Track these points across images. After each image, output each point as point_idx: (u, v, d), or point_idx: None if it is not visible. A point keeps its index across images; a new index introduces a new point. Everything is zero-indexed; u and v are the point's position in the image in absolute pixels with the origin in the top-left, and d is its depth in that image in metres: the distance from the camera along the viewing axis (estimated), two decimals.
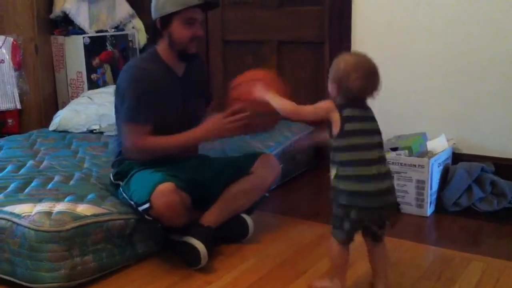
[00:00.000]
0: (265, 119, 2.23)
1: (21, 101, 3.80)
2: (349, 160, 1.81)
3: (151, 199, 2.04)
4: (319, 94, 3.47)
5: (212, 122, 2.22)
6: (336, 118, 1.82)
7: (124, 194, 2.21)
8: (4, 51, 3.75)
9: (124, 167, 2.29)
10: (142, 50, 4.12)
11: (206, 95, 2.51)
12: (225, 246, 2.34)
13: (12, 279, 2.03)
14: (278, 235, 2.49)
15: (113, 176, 2.35)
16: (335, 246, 1.88)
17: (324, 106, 1.86)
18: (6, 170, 2.63)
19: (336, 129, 1.83)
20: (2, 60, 3.75)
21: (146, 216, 2.10)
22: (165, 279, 2.11)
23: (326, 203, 2.89)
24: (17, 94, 3.78)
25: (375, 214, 1.81)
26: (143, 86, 2.21)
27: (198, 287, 2.06)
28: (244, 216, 2.38)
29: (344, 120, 1.81)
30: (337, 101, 1.85)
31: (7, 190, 2.33)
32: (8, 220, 2.05)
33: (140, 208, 2.09)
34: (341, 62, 1.83)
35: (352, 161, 1.81)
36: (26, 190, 2.33)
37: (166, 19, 2.23)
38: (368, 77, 1.81)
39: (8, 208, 2.11)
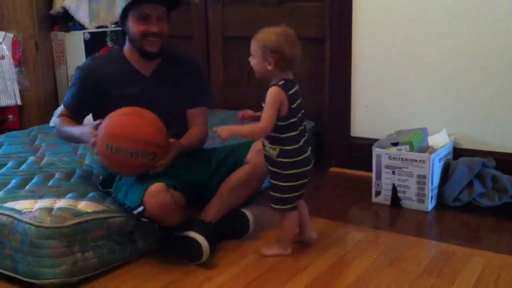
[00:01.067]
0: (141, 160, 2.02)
1: (22, 97, 3.79)
2: (293, 135, 2.08)
3: (143, 201, 2.03)
4: (318, 90, 3.46)
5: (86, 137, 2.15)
6: (285, 100, 2.02)
7: (117, 199, 2.21)
8: (4, 47, 3.74)
9: (108, 174, 2.29)
10: None
11: (195, 98, 2.40)
12: (226, 242, 2.33)
13: (13, 275, 2.04)
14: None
15: (100, 185, 2.35)
16: (292, 217, 2.20)
17: (276, 98, 2.01)
18: (7, 166, 2.62)
19: (284, 109, 2.03)
20: (2, 56, 3.74)
21: (142, 219, 2.09)
22: (166, 275, 2.10)
23: (326, 199, 2.92)
24: (18, 90, 3.77)
25: (309, 173, 2.15)
26: (82, 79, 2.29)
27: (199, 282, 2.05)
28: (245, 211, 2.37)
29: (290, 98, 2.04)
30: (273, 79, 2.05)
31: (8, 187, 2.32)
32: (9, 216, 2.04)
33: (135, 212, 2.08)
34: (270, 35, 2.02)
35: (295, 136, 2.08)
36: (27, 187, 2.33)
37: (123, 15, 2.25)
38: (297, 44, 2.06)
39: (9, 204, 2.11)
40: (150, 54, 2.26)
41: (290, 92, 2.03)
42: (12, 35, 3.75)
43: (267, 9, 3.61)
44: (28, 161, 2.71)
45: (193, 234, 2.14)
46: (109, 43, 4.01)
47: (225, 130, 2.00)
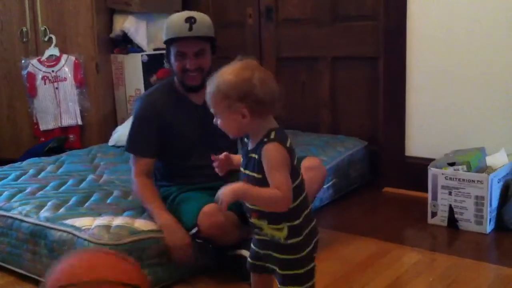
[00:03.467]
0: None
1: (82, 118, 3.91)
2: (301, 201, 1.54)
3: (197, 222, 2.05)
4: (373, 109, 3.42)
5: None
6: (288, 158, 1.48)
7: None
8: (66, 69, 3.88)
9: (161, 194, 2.32)
10: None
11: None
12: None
13: None
14: (331, 251, 2.44)
15: None
16: None
17: (282, 156, 1.45)
18: (68, 184, 2.70)
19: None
20: (64, 78, 3.88)
21: (197, 240, 2.11)
22: None
23: (380, 220, 2.87)
24: (79, 111, 3.90)
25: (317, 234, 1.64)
26: (144, 117, 2.29)
27: None
28: None
29: (291, 153, 1.49)
30: (256, 133, 1.49)
31: (69, 204, 2.39)
32: (69, 233, 2.10)
33: (190, 232, 2.10)
34: (227, 77, 1.46)
35: (303, 201, 1.55)
36: (86, 204, 2.39)
37: (167, 50, 2.29)
38: (268, 77, 1.49)
39: (69, 221, 2.17)
40: (192, 87, 2.28)
41: (288, 146, 1.47)
42: (74, 58, 3.88)
43: (320, 29, 3.61)
44: (88, 179, 2.78)
45: (245, 253, 2.14)
46: (166, 65, 4.09)
47: (229, 193, 1.45)
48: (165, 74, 4.04)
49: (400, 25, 3.17)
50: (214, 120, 1.54)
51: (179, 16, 2.22)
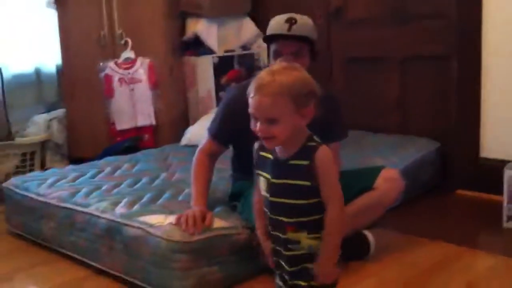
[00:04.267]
0: None
1: (156, 118, 4.00)
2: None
3: None
4: (444, 109, 3.31)
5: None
6: None
7: (242, 216, 2.23)
8: (141, 71, 3.98)
9: (235, 188, 2.33)
10: (265, 68, 4.18)
11: (331, 133, 2.21)
12: (346, 264, 2.27)
13: (147, 286, 2.13)
14: (401, 255, 2.37)
15: (229, 197, 2.39)
16: None
17: (331, 162, 1.40)
18: (141, 182, 2.77)
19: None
20: (139, 80, 3.98)
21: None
22: None
23: (452, 223, 2.77)
24: (153, 112, 3.99)
25: None
26: (231, 106, 2.26)
27: None
28: (366, 233, 2.31)
29: None
30: (297, 137, 1.41)
31: (142, 201, 2.45)
32: (143, 230, 2.15)
33: (256, 231, 2.09)
34: (290, 77, 1.37)
35: None
36: (159, 201, 2.44)
37: (268, 48, 2.25)
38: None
39: (143, 218, 2.21)
40: None
41: None
42: (148, 61, 3.98)
43: (389, 29, 3.53)
44: (161, 177, 2.84)
45: None
46: (236, 66, 4.12)
47: (328, 273, 1.44)
48: (236, 76, 4.07)
49: (475, 22, 3.04)
50: (256, 125, 1.39)
51: (281, 17, 2.19)
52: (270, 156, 1.46)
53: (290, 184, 1.40)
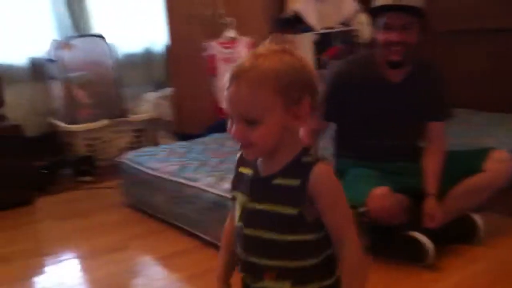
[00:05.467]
0: None
1: None
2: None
3: (367, 202, 2.01)
4: None
5: None
6: None
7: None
8: (243, 50, 4.02)
9: (337, 166, 2.29)
10: (367, 44, 4.08)
11: (434, 111, 2.22)
12: (453, 246, 2.20)
13: None
14: (509, 239, 2.26)
15: None
16: None
17: (336, 183, 1.04)
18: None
19: None
20: (239, 58, 4.03)
21: (364, 218, 2.06)
22: (388, 274, 2.05)
23: None
24: None
25: None
26: (335, 82, 2.21)
27: (424, 284, 1.97)
28: (474, 216, 2.21)
29: None
30: (287, 145, 1.03)
31: None
32: None
33: (357, 210, 2.06)
34: (290, 56, 1.01)
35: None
36: None
37: (373, 22, 2.16)
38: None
39: None
40: (393, 63, 2.14)
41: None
42: (249, 39, 4.01)
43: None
44: None
45: (417, 235, 2.07)
46: (336, 43, 4.06)
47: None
48: (336, 53, 4.01)
49: None
50: (233, 128, 1.00)
51: None
52: (249, 171, 1.08)
53: (271, 211, 1.02)
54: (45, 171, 3.41)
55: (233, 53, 4.02)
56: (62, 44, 3.60)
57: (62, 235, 2.75)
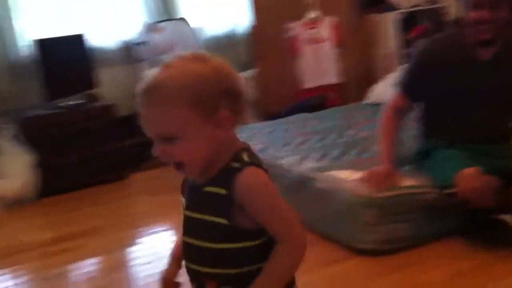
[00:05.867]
0: None
1: (341, 76, 4.01)
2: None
3: (456, 182, 1.96)
4: None
5: None
6: None
7: (430, 175, 2.17)
8: (326, 31, 4.00)
9: (423, 146, 2.25)
10: (454, 22, 3.93)
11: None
12: None
13: (334, 237, 2.19)
14: None
15: (416, 156, 2.32)
16: None
17: (273, 186, 0.98)
18: (329, 138, 2.83)
19: None
20: (324, 39, 4.01)
21: (453, 198, 2.02)
22: (476, 255, 2.01)
23: None
24: (337, 70, 4.00)
25: None
26: (422, 60, 2.18)
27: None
28: None
29: None
30: (221, 154, 0.98)
31: (330, 156, 2.51)
32: (332, 183, 2.21)
33: (446, 191, 2.03)
34: (192, 73, 0.93)
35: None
36: (346, 158, 2.48)
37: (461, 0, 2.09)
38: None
39: (332, 173, 2.27)
40: (483, 41, 2.07)
41: (267, 170, 0.99)
42: (332, 20, 3.98)
43: None
44: (347, 134, 2.87)
45: (508, 219, 2.00)
46: (422, 22, 3.94)
47: None
48: (423, 31, 3.90)
49: None
50: (159, 148, 0.95)
51: None
52: (189, 178, 1.04)
53: (203, 220, 0.99)
54: (138, 149, 3.60)
55: (316, 33, 4.01)
56: (152, 27, 3.74)
57: (153, 209, 2.90)
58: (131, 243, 2.52)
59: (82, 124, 3.29)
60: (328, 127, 3.05)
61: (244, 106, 0.98)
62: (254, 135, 3.03)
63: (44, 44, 3.30)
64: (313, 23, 4.03)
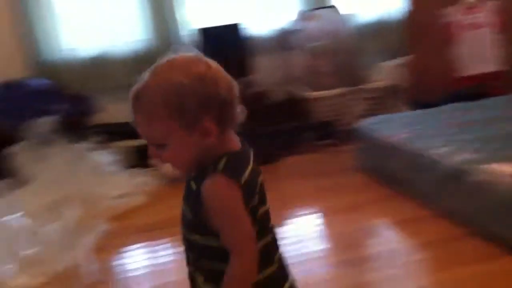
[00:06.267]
0: None
1: (503, 64, 3.73)
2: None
3: None
4: None
5: None
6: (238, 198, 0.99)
7: None
8: (486, 16, 3.75)
9: None
10: None
11: None
12: None
13: (489, 233, 2.08)
14: None
15: None
16: None
17: (232, 199, 0.97)
18: (490, 129, 2.66)
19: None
20: (484, 24, 3.76)
21: None
22: None
23: None
24: (499, 58, 3.74)
25: None
26: None
27: None
28: None
29: (247, 190, 0.99)
30: (209, 157, 0.99)
31: (490, 148, 2.36)
32: (492, 176, 2.09)
33: None
34: (177, 78, 0.94)
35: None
36: (507, 151, 2.31)
37: None
38: (225, 74, 1.01)
39: (492, 165, 2.15)
40: None
41: (244, 179, 0.98)
42: (494, 3, 3.72)
43: None
44: (509, 126, 2.67)
45: None
46: None
47: None
48: None
49: None
50: (150, 149, 1.01)
51: None
52: None
53: (184, 210, 1.05)
54: (289, 134, 3.70)
55: (476, 18, 3.78)
56: (306, 15, 3.80)
57: (302, 192, 2.98)
58: (280, 224, 2.62)
59: None
60: (488, 118, 2.86)
61: (233, 112, 0.99)
62: (405, 123, 2.96)
63: (204, 33, 3.51)
64: (473, 8, 3.80)
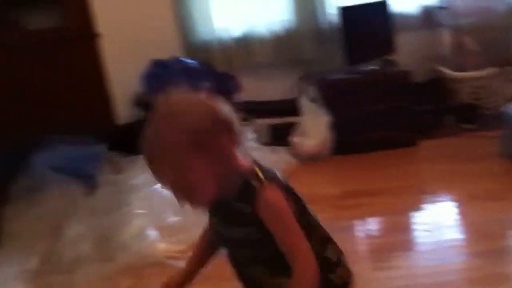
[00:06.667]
0: None
1: None
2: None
3: None
4: None
5: None
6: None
7: None
8: None
9: None
10: None
11: None
12: None
13: None
14: None
15: None
16: None
17: (282, 203, 1.07)
18: None
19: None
20: None
21: None
22: None
23: None
24: None
25: None
26: None
27: None
28: None
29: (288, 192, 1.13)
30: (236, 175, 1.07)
31: None
32: None
33: None
34: (191, 114, 1.01)
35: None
36: None
37: None
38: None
39: None
40: None
41: (279, 181, 1.11)
42: None
43: None
44: None
45: None
46: None
47: None
48: None
49: None
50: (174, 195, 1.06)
51: None
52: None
53: (238, 237, 1.16)
54: (430, 116, 3.54)
55: None
56: None
57: (440, 177, 2.85)
58: (414, 208, 2.54)
59: (377, 89, 3.37)
60: None
61: (239, 130, 1.05)
62: None
63: (347, 11, 3.46)
64: None
